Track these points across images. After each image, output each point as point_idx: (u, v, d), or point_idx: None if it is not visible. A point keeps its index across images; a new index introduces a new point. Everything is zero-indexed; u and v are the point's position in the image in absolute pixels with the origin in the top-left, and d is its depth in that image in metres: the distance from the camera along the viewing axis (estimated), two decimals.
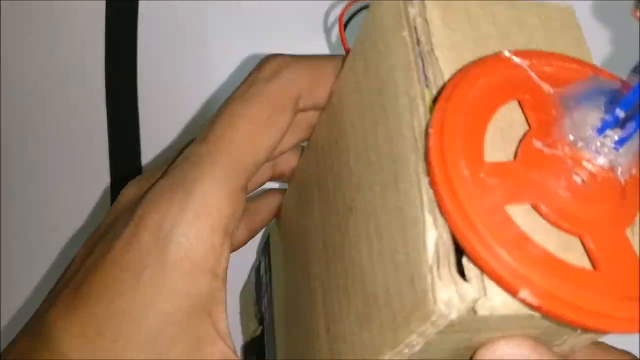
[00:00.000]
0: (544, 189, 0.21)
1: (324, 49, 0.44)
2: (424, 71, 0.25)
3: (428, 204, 0.21)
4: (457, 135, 0.21)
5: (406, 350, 0.22)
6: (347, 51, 0.30)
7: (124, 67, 0.46)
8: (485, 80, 0.22)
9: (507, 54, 0.23)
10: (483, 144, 0.21)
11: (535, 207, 0.21)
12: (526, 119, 0.23)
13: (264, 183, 0.35)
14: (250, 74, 0.29)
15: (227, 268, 0.27)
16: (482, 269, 0.19)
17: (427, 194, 0.21)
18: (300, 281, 0.35)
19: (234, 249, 0.35)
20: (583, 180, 0.21)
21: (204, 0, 0.45)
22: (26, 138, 0.48)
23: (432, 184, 0.20)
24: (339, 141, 0.30)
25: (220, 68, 0.46)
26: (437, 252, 0.20)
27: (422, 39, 0.25)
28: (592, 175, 0.22)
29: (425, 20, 0.25)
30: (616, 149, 0.21)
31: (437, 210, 0.21)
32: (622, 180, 0.22)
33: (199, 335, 0.26)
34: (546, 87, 0.23)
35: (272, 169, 0.34)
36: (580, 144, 0.22)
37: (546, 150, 0.21)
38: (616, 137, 0.21)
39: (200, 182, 0.26)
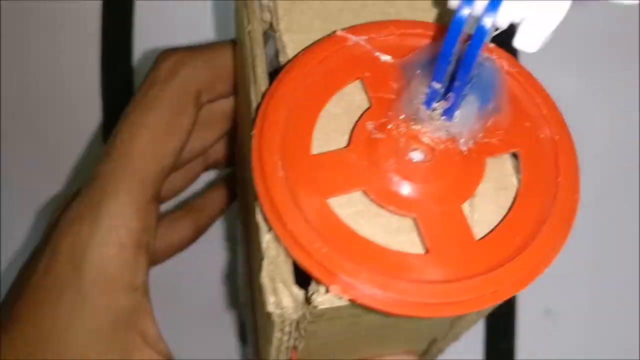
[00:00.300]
0: (372, 174, 0.20)
1: None
2: (277, 58, 0.25)
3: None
4: (277, 133, 0.20)
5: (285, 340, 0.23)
6: None
7: (119, 66, 0.47)
8: (316, 66, 0.22)
9: (339, 32, 0.22)
10: (310, 137, 0.21)
11: (365, 193, 0.20)
12: (367, 98, 0.22)
13: (197, 176, 0.35)
14: (148, 74, 0.30)
15: (146, 280, 0.28)
16: (302, 268, 0.19)
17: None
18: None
19: (171, 252, 0.36)
20: (422, 157, 0.21)
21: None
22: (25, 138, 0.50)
23: (255, 187, 0.20)
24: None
25: None
26: (272, 258, 0.20)
27: (274, 23, 0.25)
28: (429, 149, 0.21)
29: (273, 3, 0.25)
30: (448, 119, 0.20)
31: None
32: (466, 149, 0.21)
33: (126, 346, 0.27)
34: (386, 58, 0.22)
35: (205, 161, 0.35)
36: (413, 119, 0.21)
37: (376, 132, 0.21)
38: (442, 109, 0.20)
39: (106, 201, 0.27)
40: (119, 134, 0.28)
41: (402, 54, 0.22)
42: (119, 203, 0.27)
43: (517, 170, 0.22)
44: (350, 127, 0.22)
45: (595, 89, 0.43)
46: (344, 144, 0.21)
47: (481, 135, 0.21)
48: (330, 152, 0.21)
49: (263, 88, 0.22)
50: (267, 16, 0.26)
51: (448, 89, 0.20)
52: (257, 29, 0.24)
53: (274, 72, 0.23)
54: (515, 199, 0.21)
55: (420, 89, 0.21)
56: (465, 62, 0.18)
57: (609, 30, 0.43)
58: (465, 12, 0.18)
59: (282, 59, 0.24)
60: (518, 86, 0.22)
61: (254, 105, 0.22)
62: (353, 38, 0.22)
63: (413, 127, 0.21)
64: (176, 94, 0.29)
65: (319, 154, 0.21)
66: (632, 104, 0.43)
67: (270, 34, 0.25)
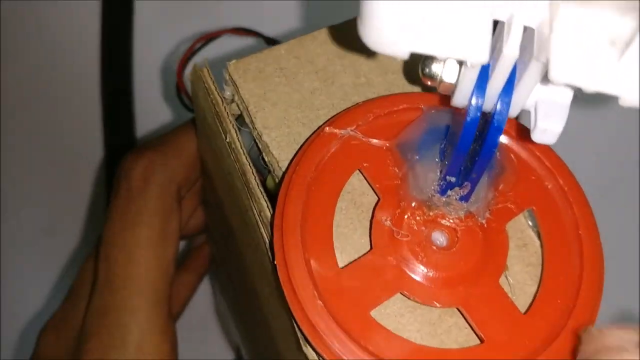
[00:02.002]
0: (405, 274, 0.20)
1: None
2: (262, 159, 0.24)
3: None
4: (300, 256, 0.20)
5: None
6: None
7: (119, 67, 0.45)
8: (315, 172, 0.21)
9: (327, 129, 0.21)
10: (332, 249, 0.20)
11: (404, 295, 0.20)
12: (372, 189, 0.21)
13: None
14: (119, 184, 0.28)
15: None
16: None
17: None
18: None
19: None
20: (446, 241, 0.21)
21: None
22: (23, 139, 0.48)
23: (294, 316, 0.20)
24: (224, 216, 0.29)
25: None
26: None
27: (248, 122, 0.24)
28: (452, 232, 0.21)
29: (242, 100, 0.23)
30: (464, 201, 0.20)
31: None
32: (484, 221, 0.21)
33: None
34: (380, 143, 0.22)
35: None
36: (428, 205, 0.21)
37: (395, 229, 0.20)
38: (457, 196, 0.20)
39: (130, 337, 0.27)
40: (114, 260, 0.27)
41: (394, 134, 0.22)
42: (141, 331, 0.27)
43: (531, 221, 0.22)
44: (362, 220, 0.21)
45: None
46: (363, 243, 0.21)
47: (494, 202, 0.21)
48: (357, 261, 0.20)
49: (263, 202, 0.21)
50: (234, 108, 0.24)
51: (464, 178, 0.19)
52: (235, 140, 0.22)
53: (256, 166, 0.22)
54: (543, 257, 0.21)
55: (429, 176, 0.20)
56: (482, 159, 0.18)
57: None
58: (477, 114, 0.17)
59: (269, 159, 0.23)
60: (514, 142, 0.22)
61: (260, 227, 0.22)
62: (342, 132, 0.21)
63: (430, 213, 0.21)
64: (160, 202, 0.28)
65: (348, 266, 0.20)
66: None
67: (242, 126, 0.24)
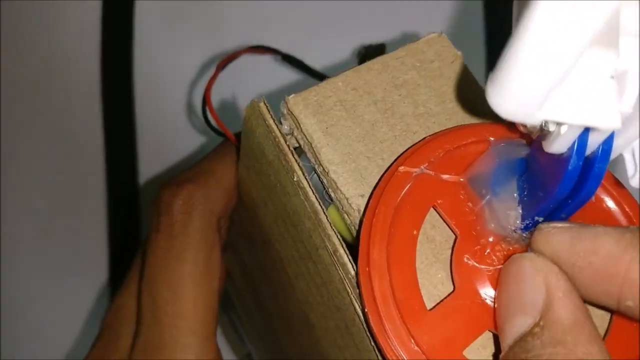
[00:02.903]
0: (490, 310, 0.20)
1: None
2: (327, 192, 0.23)
3: None
4: (389, 301, 0.20)
5: None
6: (229, 137, 0.28)
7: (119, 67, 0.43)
8: (393, 212, 0.21)
9: (402, 169, 0.21)
10: (419, 291, 0.20)
11: (492, 332, 0.20)
12: (448, 226, 0.22)
13: None
14: (158, 220, 0.27)
15: None
16: None
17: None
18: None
19: None
20: None
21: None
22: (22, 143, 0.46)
23: None
24: (266, 242, 0.29)
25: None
26: None
27: (310, 157, 0.23)
28: None
29: (304, 135, 0.23)
30: None
31: None
32: None
33: None
34: (451, 178, 0.22)
35: None
36: (507, 240, 0.21)
37: (480, 268, 0.21)
38: None
39: None
40: (161, 297, 0.27)
41: (463, 168, 0.22)
42: None
43: None
44: (437, 255, 0.21)
45: None
46: (440, 278, 0.21)
47: None
48: (443, 302, 0.20)
49: (336, 242, 0.21)
50: (292, 142, 0.24)
51: (550, 217, 0.20)
52: (303, 179, 0.22)
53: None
54: None
55: (510, 213, 0.21)
56: (578, 203, 0.18)
57: None
58: (579, 163, 0.17)
59: (337, 196, 0.23)
60: None
61: (337, 266, 0.22)
62: (416, 171, 0.21)
63: (509, 247, 0.21)
64: (203, 236, 0.27)
65: (435, 309, 0.20)
66: None
67: (300, 158, 0.24)
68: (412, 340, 0.19)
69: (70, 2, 0.42)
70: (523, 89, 0.14)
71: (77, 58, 0.43)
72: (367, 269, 0.20)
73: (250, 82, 0.40)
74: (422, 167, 0.22)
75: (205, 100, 0.29)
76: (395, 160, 0.22)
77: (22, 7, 0.43)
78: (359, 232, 0.21)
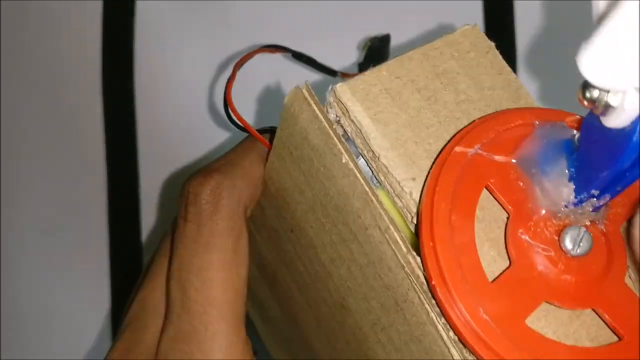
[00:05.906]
0: (548, 283, 0.21)
1: None
2: (376, 177, 0.24)
3: (450, 342, 0.21)
4: (457, 273, 0.21)
5: None
6: (252, 133, 0.29)
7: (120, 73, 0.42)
8: (452, 191, 0.22)
9: (457, 149, 0.22)
10: (480, 265, 0.21)
11: (550, 302, 0.21)
12: (500, 204, 0.23)
13: None
14: (186, 209, 0.27)
15: None
16: None
17: (444, 331, 0.21)
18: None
19: None
20: (577, 246, 0.22)
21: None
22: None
23: (454, 329, 0.21)
24: (295, 231, 0.29)
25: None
26: None
27: (359, 143, 0.24)
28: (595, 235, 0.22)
29: (353, 122, 0.24)
30: (596, 211, 0.22)
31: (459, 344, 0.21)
32: (604, 228, 0.22)
33: None
34: (503, 159, 0.23)
35: None
36: (557, 215, 0.22)
37: (534, 243, 0.22)
38: (591, 208, 0.21)
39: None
40: (190, 285, 0.27)
41: (512, 149, 0.23)
42: (224, 355, 0.26)
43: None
44: (488, 233, 0.22)
45: None
46: (492, 255, 0.22)
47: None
48: (503, 275, 0.21)
49: (386, 220, 0.22)
50: (339, 130, 0.25)
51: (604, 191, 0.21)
52: (352, 161, 0.23)
53: None
54: None
55: (562, 190, 0.22)
56: (633, 176, 0.20)
57: None
58: None
59: (388, 180, 0.23)
60: None
61: (390, 243, 0.22)
62: (471, 151, 0.22)
63: (560, 223, 0.22)
64: (230, 224, 0.28)
65: (495, 281, 0.21)
66: None
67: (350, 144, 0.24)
68: (481, 309, 0.20)
69: (70, 2, 0.42)
70: (616, 57, 0.15)
71: (78, 58, 0.43)
72: (432, 243, 0.21)
73: (250, 81, 0.40)
74: (476, 147, 0.23)
75: (227, 101, 0.29)
76: (448, 142, 0.23)
77: (23, 7, 0.42)
78: (418, 210, 0.22)
